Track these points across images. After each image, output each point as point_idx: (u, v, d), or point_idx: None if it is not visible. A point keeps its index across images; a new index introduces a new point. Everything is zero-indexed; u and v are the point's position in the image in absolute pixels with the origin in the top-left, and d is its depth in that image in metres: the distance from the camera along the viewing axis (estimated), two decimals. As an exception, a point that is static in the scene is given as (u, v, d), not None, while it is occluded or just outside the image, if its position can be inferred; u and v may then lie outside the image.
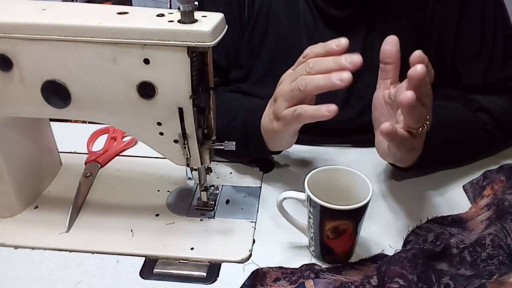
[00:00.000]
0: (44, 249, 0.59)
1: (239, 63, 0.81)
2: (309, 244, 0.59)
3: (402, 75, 0.73)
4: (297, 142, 0.80)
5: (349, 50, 0.75)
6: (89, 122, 0.84)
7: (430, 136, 0.62)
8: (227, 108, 0.72)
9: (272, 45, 0.77)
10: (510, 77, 0.73)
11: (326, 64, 0.54)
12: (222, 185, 0.70)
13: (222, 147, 0.59)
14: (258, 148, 0.68)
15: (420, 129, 0.54)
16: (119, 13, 0.52)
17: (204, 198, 0.65)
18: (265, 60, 0.78)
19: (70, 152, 0.78)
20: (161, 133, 0.56)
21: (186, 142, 0.56)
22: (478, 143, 0.72)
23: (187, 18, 0.50)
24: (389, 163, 0.71)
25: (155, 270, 0.56)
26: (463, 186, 0.70)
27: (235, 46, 0.80)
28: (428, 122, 0.53)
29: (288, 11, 0.76)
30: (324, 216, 0.53)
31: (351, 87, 0.70)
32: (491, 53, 0.72)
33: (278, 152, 0.72)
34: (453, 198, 0.67)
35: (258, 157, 0.73)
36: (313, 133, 0.78)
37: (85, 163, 0.74)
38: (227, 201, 0.67)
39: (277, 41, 0.77)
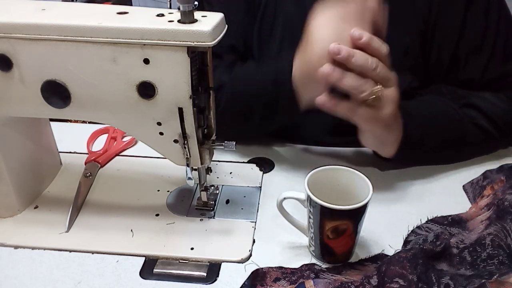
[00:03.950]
0: (44, 249, 0.59)
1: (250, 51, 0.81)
2: (309, 244, 0.59)
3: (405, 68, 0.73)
4: (297, 142, 0.80)
5: None
6: (89, 122, 0.84)
7: (408, 126, 0.65)
8: (247, 75, 0.71)
9: (280, 33, 0.77)
10: (509, 73, 0.73)
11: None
12: (222, 185, 0.70)
13: (222, 147, 0.60)
14: (290, 109, 0.66)
15: (372, 97, 0.56)
16: (119, 13, 0.52)
17: (204, 198, 0.65)
18: (274, 48, 0.78)
19: (70, 152, 0.78)
20: (161, 133, 0.56)
21: (186, 142, 0.56)
22: (467, 138, 0.72)
23: (187, 18, 0.50)
24: (374, 153, 0.72)
25: (155, 270, 0.56)
26: (463, 186, 0.70)
27: (251, 31, 0.79)
28: (377, 90, 0.55)
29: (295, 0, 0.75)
30: (324, 216, 0.53)
31: None
32: (492, 48, 0.72)
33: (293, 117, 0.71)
34: (453, 198, 0.67)
35: (281, 124, 0.73)
36: (314, 131, 0.78)
37: (85, 163, 0.74)
38: (227, 201, 0.67)
39: (285, 29, 0.77)
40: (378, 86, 0.56)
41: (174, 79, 0.52)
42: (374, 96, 0.56)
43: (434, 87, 0.76)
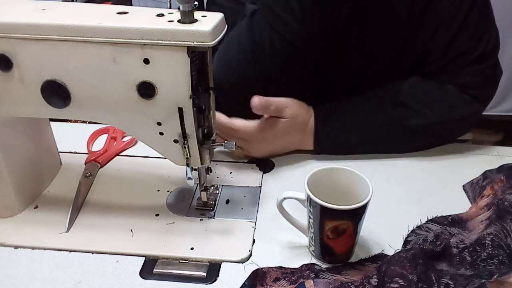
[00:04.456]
0: (44, 249, 0.59)
1: None
2: (309, 244, 0.59)
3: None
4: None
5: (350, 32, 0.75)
6: (89, 122, 0.84)
7: (320, 132, 0.74)
8: None
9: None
10: (472, 51, 0.73)
11: None
12: (222, 185, 0.70)
13: (222, 147, 0.60)
14: None
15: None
16: (119, 13, 0.52)
17: (204, 198, 0.65)
18: None
19: (70, 152, 0.78)
20: (161, 133, 0.56)
21: (186, 142, 0.56)
22: (396, 136, 0.75)
23: (187, 18, 0.50)
24: None
25: (155, 270, 0.56)
26: (463, 186, 0.70)
27: None
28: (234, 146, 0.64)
29: None
30: (324, 216, 0.53)
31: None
32: (461, 23, 0.71)
33: None
34: (453, 198, 0.67)
35: None
36: None
37: (85, 163, 0.74)
38: (227, 201, 0.67)
39: None
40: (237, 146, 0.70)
41: (174, 79, 0.52)
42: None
43: (390, 84, 0.78)
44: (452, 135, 0.80)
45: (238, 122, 0.72)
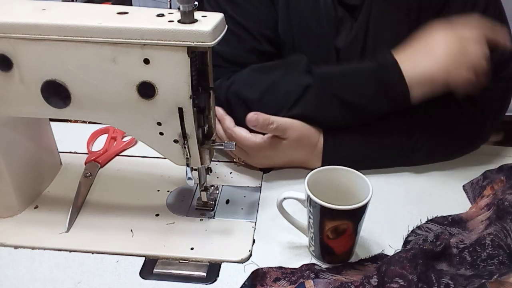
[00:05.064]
0: (44, 249, 0.59)
1: None
2: (309, 244, 0.59)
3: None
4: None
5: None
6: (89, 122, 0.84)
7: (329, 151, 0.70)
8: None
9: (297, 32, 0.75)
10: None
11: None
12: (222, 185, 0.70)
13: (222, 147, 0.60)
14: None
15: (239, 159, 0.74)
16: (119, 13, 0.52)
17: (204, 198, 0.65)
18: (290, 47, 0.76)
19: (70, 152, 0.78)
20: (161, 133, 0.56)
21: (186, 142, 0.56)
22: (401, 159, 0.73)
23: (187, 18, 0.50)
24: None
25: (155, 270, 0.56)
26: (463, 186, 0.70)
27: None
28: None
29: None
30: (324, 216, 0.53)
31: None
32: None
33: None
34: (453, 198, 0.67)
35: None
36: None
37: (85, 163, 0.74)
38: (227, 201, 0.67)
39: (300, 29, 0.75)
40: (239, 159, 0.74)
41: (174, 79, 0.52)
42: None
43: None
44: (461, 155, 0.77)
45: (241, 133, 0.69)
